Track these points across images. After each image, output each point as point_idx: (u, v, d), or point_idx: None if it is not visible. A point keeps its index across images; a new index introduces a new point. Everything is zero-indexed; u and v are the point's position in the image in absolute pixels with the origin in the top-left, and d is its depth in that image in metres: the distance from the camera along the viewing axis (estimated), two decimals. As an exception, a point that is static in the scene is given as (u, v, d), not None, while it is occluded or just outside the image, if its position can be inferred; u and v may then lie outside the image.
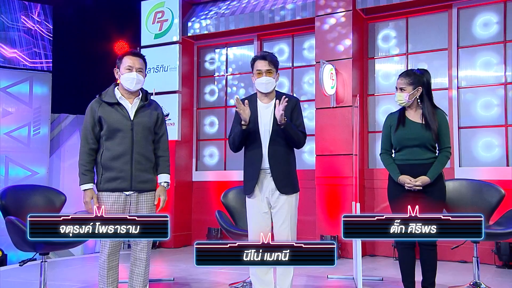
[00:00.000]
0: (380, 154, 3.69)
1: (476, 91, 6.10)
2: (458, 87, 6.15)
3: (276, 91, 3.45)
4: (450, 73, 6.18)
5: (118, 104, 3.19)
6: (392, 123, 3.61)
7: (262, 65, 3.32)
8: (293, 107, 3.38)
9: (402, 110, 3.63)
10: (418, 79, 3.56)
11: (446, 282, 4.54)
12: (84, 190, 3.14)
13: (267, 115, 3.35)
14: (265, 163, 3.32)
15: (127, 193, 3.16)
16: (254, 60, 3.40)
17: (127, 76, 3.20)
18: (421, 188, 3.44)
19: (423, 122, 3.54)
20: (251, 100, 3.42)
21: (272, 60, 3.34)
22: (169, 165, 3.39)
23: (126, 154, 3.14)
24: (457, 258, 5.69)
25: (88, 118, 3.19)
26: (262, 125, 3.34)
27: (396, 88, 3.61)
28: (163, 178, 3.34)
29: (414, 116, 3.59)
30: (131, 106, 3.23)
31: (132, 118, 3.19)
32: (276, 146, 3.30)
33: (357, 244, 4.28)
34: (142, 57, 3.31)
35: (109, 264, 3.16)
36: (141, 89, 3.34)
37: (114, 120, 3.15)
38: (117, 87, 3.28)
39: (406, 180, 3.46)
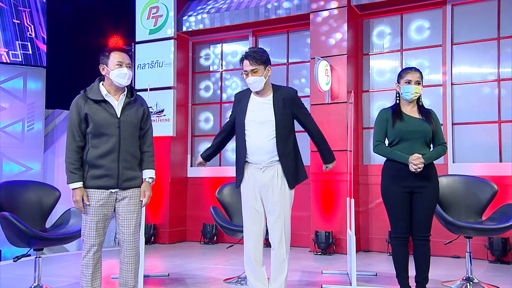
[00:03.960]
0: (375, 146, 3.61)
1: (469, 87, 6.13)
2: (452, 84, 6.18)
3: (272, 84, 3.42)
4: (444, 69, 6.21)
5: (104, 101, 3.14)
6: (388, 117, 3.59)
7: (246, 65, 3.31)
8: (294, 99, 3.34)
9: (397, 106, 3.63)
10: (423, 76, 3.63)
11: (439, 277, 4.58)
12: (74, 188, 3.09)
13: (262, 108, 3.33)
14: (251, 156, 3.31)
15: (113, 190, 3.13)
16: (240, 60, 3.38)
17: (119, 72, 3.14)
18: (421, 168, 3.40)
19: (422, 118, 3.55)
20: (244, 94, 3.46)
21: (255, 58, 3.27)
22: (154, 161, 3.31)
23: (113, 152, 3.10)
24: (450, 253, 5.74)
25: (74, 115, 3.13)
26: (251, 118, 3.33)
27: (409, 81, 3.55)
28: (148, 174, 3.26)
29: (411, 111, 3.59)
30: (117, 103, 3.17)
31: (119, 116, 3.14)
32: (281, 137, 3.27)
33: (351, 239, 4.30)
34: (128, 52, 3.33)
35: (94, 262, 3.11)
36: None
37: (100, 118, 3.10)
38: (101, 82, 3.21)
39: (417, 156, 3.38)
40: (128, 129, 3.15)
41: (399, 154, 3.48)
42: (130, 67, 3.22)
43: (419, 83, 3.56)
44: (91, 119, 3.10)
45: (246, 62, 3.30)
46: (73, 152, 3.12)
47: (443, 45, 6.24)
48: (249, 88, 3.44)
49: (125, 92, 3.22)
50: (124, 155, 3.13)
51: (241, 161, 3.37)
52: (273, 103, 3.31)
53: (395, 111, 3.60)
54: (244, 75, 3.34)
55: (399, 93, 3.63)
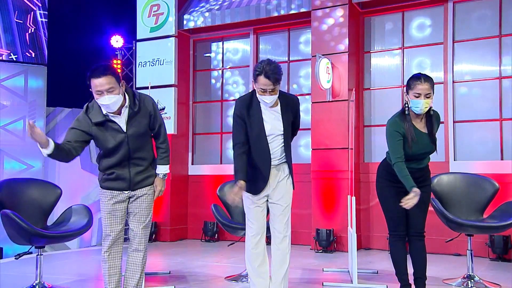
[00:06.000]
0: (396, 163, 3.35)
1: (471, 85, 6.12)
2: (453, 81, 6.17)
3: None
4: (446, 67, 6.20)
5: (108, 121, 3.07)
6: (403, 131, 3.37)
7: (266, 84, 3.19)
8: (296, 107, 3.47)
9: (407, 118, 3.39)
10: (434, 84, 3.37)
11: (440, 275, 4.58)
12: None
13: (274, 119, 3.36)
14: (275, 161, 3.37)
15: (126, 192, 3.21)
16: (257, 74, 3.21)
17: (100, 102, 2.99)
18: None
19: (427, 132, 3.42)
20: (252, 100, 3.36)
21: (276, 79, 3.19)
22: (167, 156, 3.35)
23: (123, 161, 3.16)
24: (451, 251, 5.74)
25: (76, 125, 3.09)
26: (268, 128, 3.34)
27: (418, 95, 3.27)
28: (160, 170, 3.33)
29: (420, 125, 3.43)
30: (120, 118, 3.09)
31: (125, 130, 3.11)
32: (287, 144, 3.41)
33: (352, 237, 4.30)
34: (108, 73, 2.95)
35: (109, 257, 3.18)
36: (126, 92, 3.13)
37: (108, 139, 3.09)
38: None
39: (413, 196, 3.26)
40: (136, 139, 3.16)
41: (409, 182, 3.29)
42: (114, 89, 2.95)
43: (429, 97, 3.30)
44: (99, 141, 3.12)
45: (266, 81, 3.18)
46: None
47: (445, 42, 6.22)
48: (251, 93, 3.40)
49: (127, 104, 3.10)
50: (134, 161, 3.19)
51: (266, 169, 3.34)
52: (281, 113, 3.37)
53: (409, 127, 3.36)
54: (260, 92, 3.24)
55: (407, 103, 3.38)
